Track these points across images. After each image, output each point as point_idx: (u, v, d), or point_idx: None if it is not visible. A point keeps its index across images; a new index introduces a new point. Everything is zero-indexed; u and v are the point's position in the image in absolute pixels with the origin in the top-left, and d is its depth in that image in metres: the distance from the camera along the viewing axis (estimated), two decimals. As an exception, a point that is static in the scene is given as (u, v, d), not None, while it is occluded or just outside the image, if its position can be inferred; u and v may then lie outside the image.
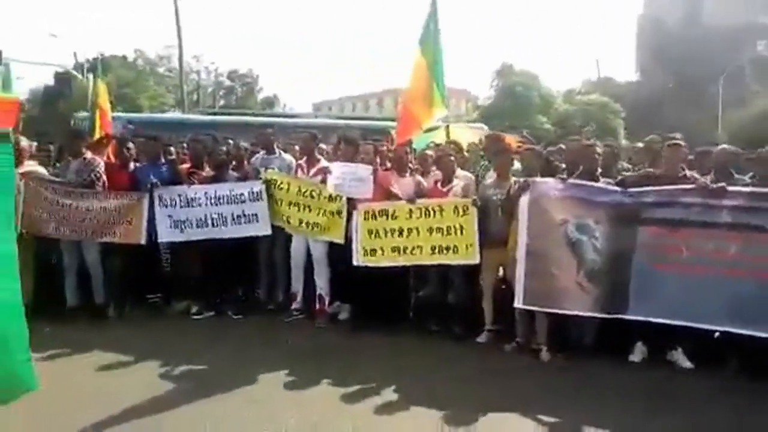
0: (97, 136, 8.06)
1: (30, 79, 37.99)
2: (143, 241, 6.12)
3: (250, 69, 43.71)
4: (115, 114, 11.30)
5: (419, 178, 6.06)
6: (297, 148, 6.80)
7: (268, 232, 6.18)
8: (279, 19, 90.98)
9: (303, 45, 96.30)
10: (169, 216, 6.20)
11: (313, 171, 6.23)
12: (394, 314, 5.94)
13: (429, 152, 6.42)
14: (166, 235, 6.24)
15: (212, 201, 6.16)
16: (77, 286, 6.15)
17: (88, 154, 6.18)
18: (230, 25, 79.41)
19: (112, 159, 6.72)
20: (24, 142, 6.17)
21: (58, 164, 6.34)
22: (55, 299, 6.12)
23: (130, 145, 6.41)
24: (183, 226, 6.20)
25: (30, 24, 64.46)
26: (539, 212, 5.05)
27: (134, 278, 6.37)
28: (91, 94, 8.80)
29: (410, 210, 5.70)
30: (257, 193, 6.12)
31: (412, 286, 6.18)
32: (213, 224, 6.17)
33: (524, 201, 5.08)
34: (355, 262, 5.79)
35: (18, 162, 5.86)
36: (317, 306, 6.19)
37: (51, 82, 32.63)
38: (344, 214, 5.94)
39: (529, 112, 29.77)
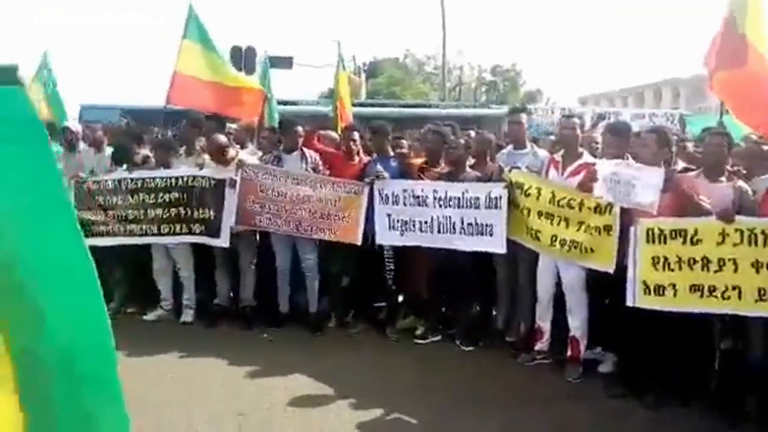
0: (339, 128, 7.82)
1: (319, 83, 42.39)
2: (359, 241, 5.27)
3: (514, 63, 42.36)
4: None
5: (741, 183, 4.05)
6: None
7: (503, 250, 4.85)
8: (544, 10, 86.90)
9: (569, 36, 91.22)
10: (388, 214, 5.22)
11: (570, 168, 4.61)
12: (686, 378, 4.10)
13: (766, 147, 4.32)
14: (384, 236, 5.28)
15: (441, 202, 5.03)
16: (292, 292, 5.61)
17: (307, 151, 5.54)
18: (495, 18, 78.58)
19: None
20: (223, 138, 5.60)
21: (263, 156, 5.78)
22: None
23: (356, 135, 5.62)
24: (403, 228, 5.19)
25: (319, 32, 72.33)
26: None
27: (357, 287, 5.63)
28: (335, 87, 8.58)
29: (724, 231, 3.80)
30: (496, 198, 4.81)
31: (717, 336, 4.24)
32: (439, 229, 5.06)
33: None
34: (630, 302, 4.04)
35: (219, 159, 5.43)
36: (569, 351, 4.64)
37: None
38: (616, 230, 4.28)
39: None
